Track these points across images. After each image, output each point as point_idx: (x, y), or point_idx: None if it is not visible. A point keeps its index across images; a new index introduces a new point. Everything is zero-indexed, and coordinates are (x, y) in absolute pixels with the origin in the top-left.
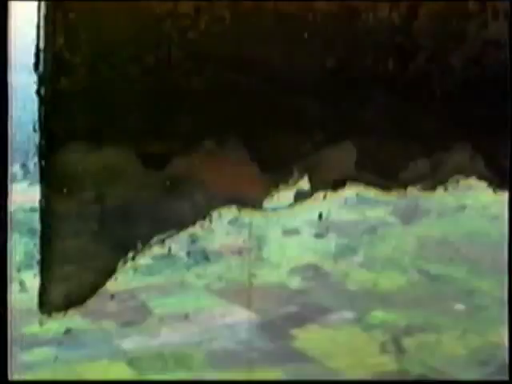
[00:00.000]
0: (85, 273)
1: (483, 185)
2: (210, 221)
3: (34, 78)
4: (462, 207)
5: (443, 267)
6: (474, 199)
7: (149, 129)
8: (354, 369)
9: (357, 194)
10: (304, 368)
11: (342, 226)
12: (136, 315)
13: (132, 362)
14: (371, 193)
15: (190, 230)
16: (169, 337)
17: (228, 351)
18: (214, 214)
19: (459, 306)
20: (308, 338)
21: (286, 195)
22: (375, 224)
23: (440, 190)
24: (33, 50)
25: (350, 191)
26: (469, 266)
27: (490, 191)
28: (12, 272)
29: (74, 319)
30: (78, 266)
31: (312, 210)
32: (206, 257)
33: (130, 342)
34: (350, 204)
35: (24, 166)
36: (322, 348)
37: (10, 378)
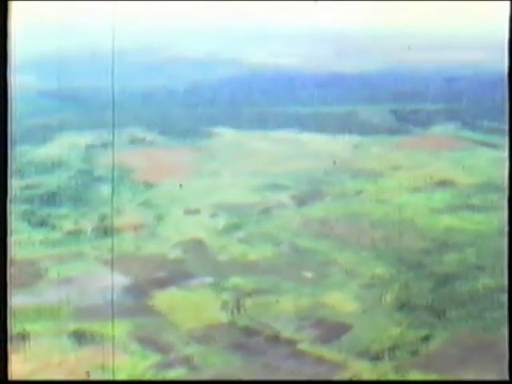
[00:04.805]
0: None
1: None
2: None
3: None
4: (361, 191)
5: (312, 242)
6: (373, 185)
7: None
8: (191, 321)
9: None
10: (150, 320)
11: (240, 207)
12: (30, 279)
13: (13, 313)
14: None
15: (102, 210)
16: (49, 296)
17: (92, 307)
18: (128, 197)
19: (307, 274)
20: (163, 297)
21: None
22: (272, 206)
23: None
24: None
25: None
26: (336, 241)
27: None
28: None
29: None
30: None
31: (218, 192)
32: (106, 232)
33: (17, 300)
34: (255, 188)
35: None
36: (171, 305)
37: (9, 377)
